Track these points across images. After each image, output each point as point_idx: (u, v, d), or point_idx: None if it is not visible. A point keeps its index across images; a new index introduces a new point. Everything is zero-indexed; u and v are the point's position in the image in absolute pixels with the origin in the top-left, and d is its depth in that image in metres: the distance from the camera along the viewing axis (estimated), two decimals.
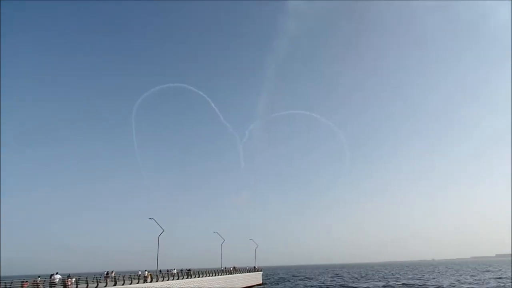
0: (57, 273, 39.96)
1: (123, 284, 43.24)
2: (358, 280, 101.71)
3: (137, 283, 46.06)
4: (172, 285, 52.33)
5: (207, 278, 64.79)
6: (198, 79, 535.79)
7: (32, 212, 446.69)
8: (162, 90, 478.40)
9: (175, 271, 63.76)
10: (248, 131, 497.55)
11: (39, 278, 37.69)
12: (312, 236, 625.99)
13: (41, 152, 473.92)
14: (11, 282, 34.90)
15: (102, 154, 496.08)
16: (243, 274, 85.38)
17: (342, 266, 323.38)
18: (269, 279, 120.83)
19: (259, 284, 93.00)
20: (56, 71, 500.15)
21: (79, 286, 38.97)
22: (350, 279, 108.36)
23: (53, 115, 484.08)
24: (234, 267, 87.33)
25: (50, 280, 38.01)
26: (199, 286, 59.77)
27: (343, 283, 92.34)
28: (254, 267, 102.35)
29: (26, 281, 36.00)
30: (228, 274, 77.81)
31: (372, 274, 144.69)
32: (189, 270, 68.08)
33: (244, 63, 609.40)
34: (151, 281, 49.16)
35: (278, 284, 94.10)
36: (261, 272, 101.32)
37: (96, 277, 44.21)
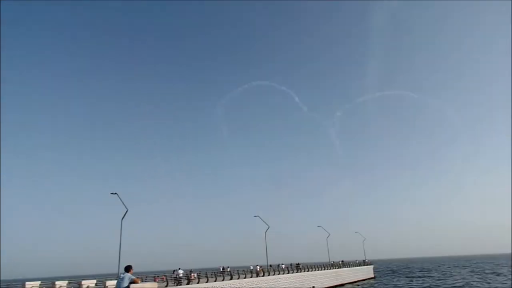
0: (179, 269, 44.44)
1: (238, 278, 46.02)
2: None
3: (251, 277, 48.57)
4: (283, 279, 53.81)
5: (316, 272, 64.97)
6: (279, 74, 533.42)
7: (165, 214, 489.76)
8: (245, 90, 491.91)
9: (284, 265, 65.45)
10: (337, 118, 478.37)
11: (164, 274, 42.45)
12: (430, 225, 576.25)
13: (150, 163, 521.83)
14: (146, 277, 39.95)
15: (193, 154, 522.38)
16: (352, 268, 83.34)
17: (468, 259, 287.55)
18: (380, 272, 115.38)
19: (371, 278, 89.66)
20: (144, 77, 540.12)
21: (200, 280, 42.71)
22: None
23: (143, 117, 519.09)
24: (342, 261, 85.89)
25: (174, 275, 42.49)
26: (308, 280, 60.24)
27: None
28: (364, 260, 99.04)
29: (158, 276, 40.91)
30: (337, 268, 76.80)
31: None
32: (298, 264, 69.15)
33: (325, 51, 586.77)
34: (263, 275, 51.35)
35: (393, 278, 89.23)
36: (372, 266, 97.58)
37: (214, 272, 48.02)
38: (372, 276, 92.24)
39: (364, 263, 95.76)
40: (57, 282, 22.20)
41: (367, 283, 76.72)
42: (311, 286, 58.63)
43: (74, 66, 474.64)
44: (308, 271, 63.84)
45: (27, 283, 26.25)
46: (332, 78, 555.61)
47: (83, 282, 17.89)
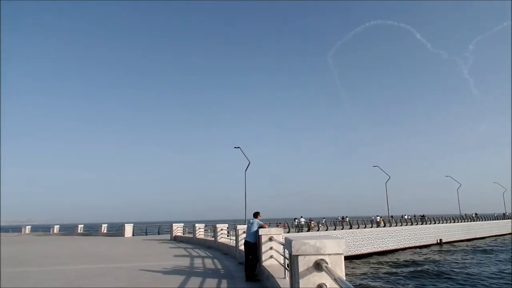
0: (301, 217, 46.65)
1: (358, 228, 46.15)
2: None
3: (371, 227, 48.13)
4: (405, 231, 51.80)
5: (443, 224, 60.60)
6: (394, 11, 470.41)
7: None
8: (358, 33, 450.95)
9: (407, 216, 62.70)
10: (469, 52, 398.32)
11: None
12: None
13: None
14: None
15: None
16: (488, 221, 74.94)
17: None
18: None
19: (509, 234, 79.49)
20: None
21: (320, 228, 44.25)
22: None
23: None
24: (475, 214, 77.92)
25: (296, 222, 44.88)
26: (434, 233, 56.69)
27: None
28: (504, 213, 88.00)
29: (280, 223, 43.83)
30: (470, 221, 70.13)
31: None
32: (423, 216, 65.45)
33: None
34: (384, 226, 50.32)
35: None
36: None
37: (333, 221, 49.07)
38: (510, 231, 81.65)
39: (504, 216, 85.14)
40: (196, 224, 25.78)
41: (504, 239, 68.36)
42: (438, 238, 55.34)
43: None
44: (434, 223, 59.98)
45: (174, 224, 31.58)
46: (455, 9, 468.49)
47: (217, 225, 20.32)
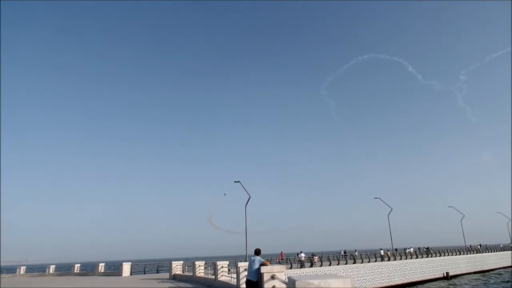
0: (301, 252, 45.58)
1: (361, 262, 44.99)
2: None
3: (375, 261, 46.94)
4: (410, 264, 50.50)
5: (451, 257, 59.12)
6: (384, 44, 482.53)
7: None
8: (351, 67, 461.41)
9: (412, 249, 61.35)
10: (462, 82, 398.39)
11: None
12: None
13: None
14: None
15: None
16: (496, 253, 73.20)
17: None
18: None
19: None
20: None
21: (323, 263, 43.13)
22: None
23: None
24: (480, 245, 76.28)
25: (298, 258, 43.79)
26: (441, 266, 55.23)
27: None
28: (511, 244, 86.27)
29: (282, 258, 42.77)
30: (476, 253, 68.52)
31: None
32: (428, 248, 64.06)
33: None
34: (388, 260, 49.10)
35: None
36: None
37: (336, 256, 47.87)
38: None
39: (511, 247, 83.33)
40: (196, 262, 25.12)
41: None
42: (445, 271, 53.85)
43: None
44: (440, 255, 58.55)
45: (173, 262, 30.80)
46: (445, 39, 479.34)
47: (218, 262, 19.83)
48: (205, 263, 26.20)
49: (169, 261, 32.07)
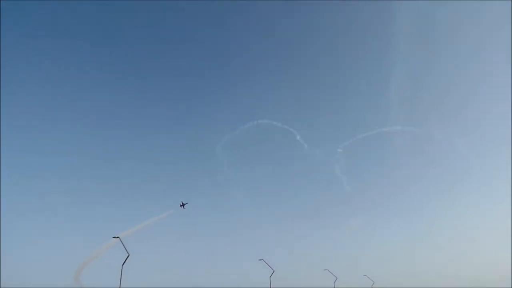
0: None
1: None
2: None
3: None
4: None
5: None
6: (279, 111, 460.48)
7: None
8: (244, 131, 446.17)
9: None
10: (339, 154, 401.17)
11: None
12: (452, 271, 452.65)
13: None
14: None
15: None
16: None
17: None
18: None
19: None
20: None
21: None
22: None
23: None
24: None
25: None
26: None
27: None
28: None
29: None
30: None
31: None
32: None
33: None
34: None
35: None
36: None
37: None
38: None
39: None
40: None
41: None
42: None
43: None
44: None
45: None
46: (333, 112, 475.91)
47: None
48: None
49: None
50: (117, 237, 39.10)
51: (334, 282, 78.20)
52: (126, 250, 38.56)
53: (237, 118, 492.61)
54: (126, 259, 38.41)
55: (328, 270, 78.99)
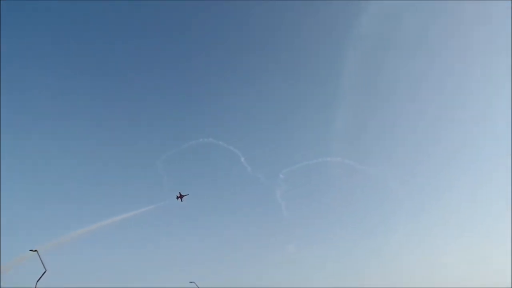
0: None
1: None
2: None
3: None
4: None
5: None
6: (227, 130, 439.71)
7: None
8: (188, 148, 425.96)
9: None
10: (281, 180, 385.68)
11: None
12: None
13: None
14: None
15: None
16: None
17: None
18: None
19: None
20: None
21: None
22: None
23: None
24: None
25: None
26: None
27: None
28: None
29: None
30: None
31: None
32: None
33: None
34: None
35: None
36: None
37: None
38: None
39: None
40: None
41: None
42: None
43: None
44: None
45: None
46: (279, 138, 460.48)
47: None
48: None
49: None
50: (35, 250, 36.40)
51: None
52: (44, 266, 36.47)
53: (180, 135, 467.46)
54: (42, 275, 36.36)
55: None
